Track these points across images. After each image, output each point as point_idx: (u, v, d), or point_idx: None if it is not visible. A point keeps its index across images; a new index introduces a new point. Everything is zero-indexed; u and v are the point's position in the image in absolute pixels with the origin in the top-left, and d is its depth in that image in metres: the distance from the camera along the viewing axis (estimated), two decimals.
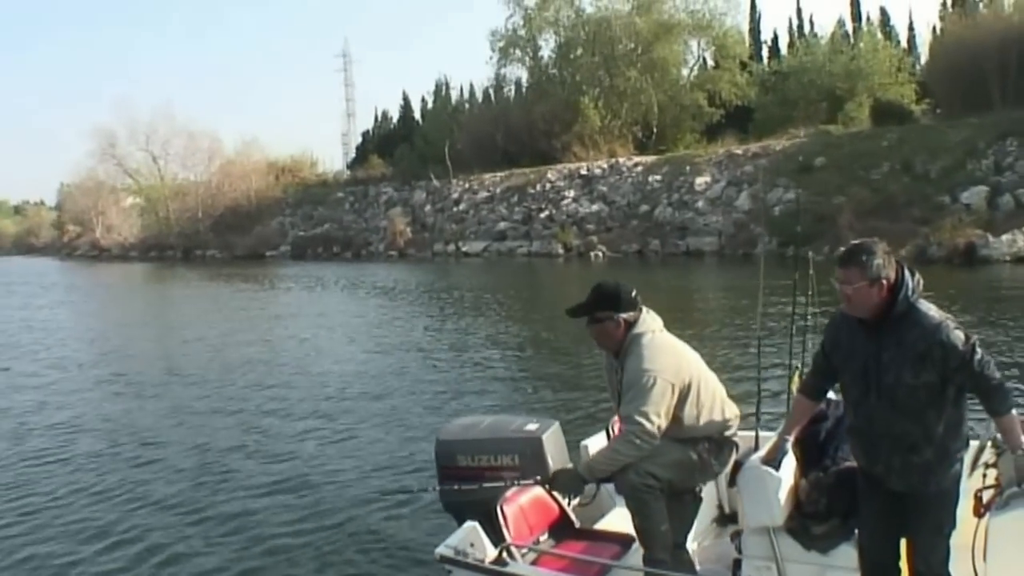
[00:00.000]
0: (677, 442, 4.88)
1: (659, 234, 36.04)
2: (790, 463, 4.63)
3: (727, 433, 5.03)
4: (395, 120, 69.87)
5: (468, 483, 5.44)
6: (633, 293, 5.01)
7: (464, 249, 44.13)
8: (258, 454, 9.72)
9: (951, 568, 4.18)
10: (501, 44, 54.75)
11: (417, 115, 66.84)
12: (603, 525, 5.61)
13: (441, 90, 65.93)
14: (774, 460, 4.53)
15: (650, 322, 5.02)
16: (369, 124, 75.58)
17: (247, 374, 14.79)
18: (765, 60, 50.66)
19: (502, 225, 43.85)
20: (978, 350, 3.92)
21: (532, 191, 44.18)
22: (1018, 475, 4.02)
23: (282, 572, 6.66)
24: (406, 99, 69.36)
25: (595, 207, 40.51)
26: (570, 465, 5.34)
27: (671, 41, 49.08)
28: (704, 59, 51.60)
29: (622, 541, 5.25)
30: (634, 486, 4.84)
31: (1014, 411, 4.02)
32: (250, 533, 7.38)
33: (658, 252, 34.85)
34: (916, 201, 29.51)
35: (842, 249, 4.17)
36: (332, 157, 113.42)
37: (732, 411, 5.10)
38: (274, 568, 6.71)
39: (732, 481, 4.86)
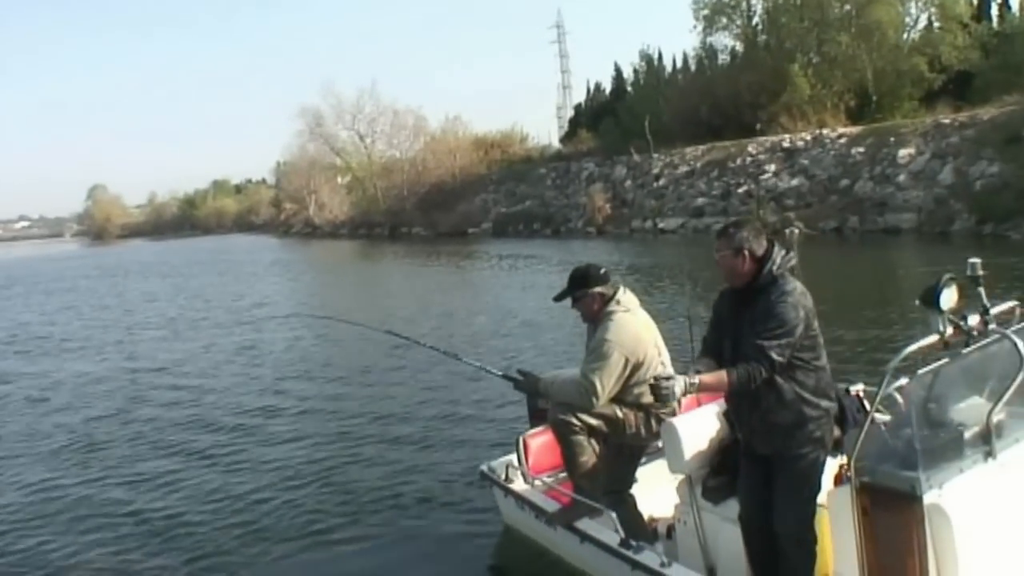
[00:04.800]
0: (612, 401, 5.97)
1: (858, 210, 35.97)
2: (712, 424, 5.37)
3: (662, 411, 5.89)
4: (607, 92, 70.69)
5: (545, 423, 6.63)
6: (602, 271, 6.18)
7: (661, 226, 45.51)
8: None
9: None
10: (705, 12, 55.39)
11: (629, 87, 67.38)
12: None
13: (651, 61, 66.25)
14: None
15: (625, 301, 6.12)
16: (582, 97, 76.89)
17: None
18: (995, 19, 48.72)
19: (700, 201, 44.82)
20: (796, 331, 4.50)
21: (732, 165, 44.58)
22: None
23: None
24: (618, 70, 70.19)
25: (795, 182, 40.64)
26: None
27: (887, 2, 47.99)
28: (930, 19, 49.93)
29: None
30: (555, 421, 6.10)
31: (731, 380, 4.53)
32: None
33: (856, 229, 34.96)
34: None
35: None
36: (550, 131, 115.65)
37: None
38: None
39: None
